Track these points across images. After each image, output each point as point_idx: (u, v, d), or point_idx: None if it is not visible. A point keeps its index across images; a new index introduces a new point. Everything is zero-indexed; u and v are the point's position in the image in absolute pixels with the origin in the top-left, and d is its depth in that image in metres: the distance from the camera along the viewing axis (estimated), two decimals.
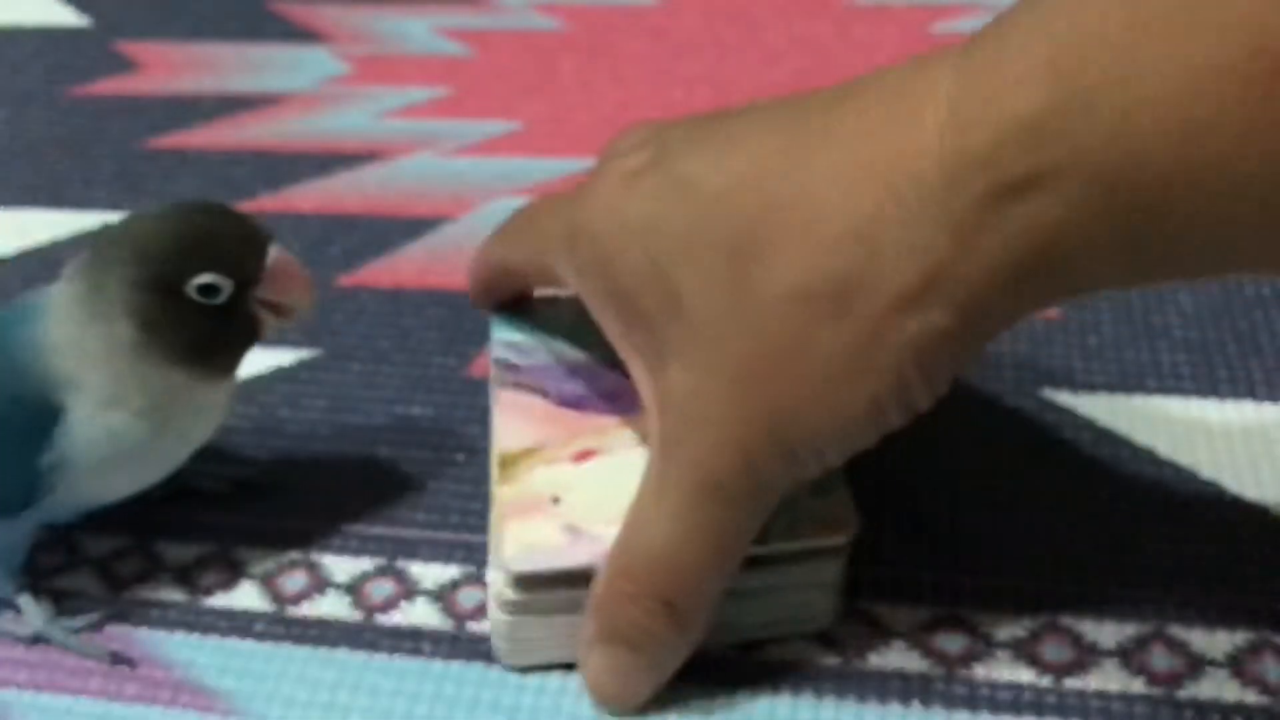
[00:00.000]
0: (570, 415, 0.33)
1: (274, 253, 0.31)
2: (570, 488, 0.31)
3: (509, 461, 0.32)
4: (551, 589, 0.30)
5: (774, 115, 0.28)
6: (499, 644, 0.31)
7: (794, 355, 0.26)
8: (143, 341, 0.30)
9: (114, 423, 0.31)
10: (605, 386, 0.33)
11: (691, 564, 0.28)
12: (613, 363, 0.32)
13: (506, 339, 0.35)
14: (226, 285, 0.30)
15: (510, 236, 0.35)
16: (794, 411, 0.26)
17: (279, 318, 0.32)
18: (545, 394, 0.33)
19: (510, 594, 0.30)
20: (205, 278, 0.30)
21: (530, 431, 0.32)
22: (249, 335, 0.32)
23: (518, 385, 0.34)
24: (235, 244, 0.31)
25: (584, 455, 0.31)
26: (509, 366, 0.34)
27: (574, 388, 0.33)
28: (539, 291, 0.37)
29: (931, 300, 0.25)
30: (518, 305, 0.36)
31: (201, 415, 0.33)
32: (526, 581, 0.30)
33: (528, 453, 0.32)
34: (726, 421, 0.27)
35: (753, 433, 0.27)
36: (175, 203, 0.31)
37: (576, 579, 0.29)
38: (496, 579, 0.30)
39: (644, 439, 0.31)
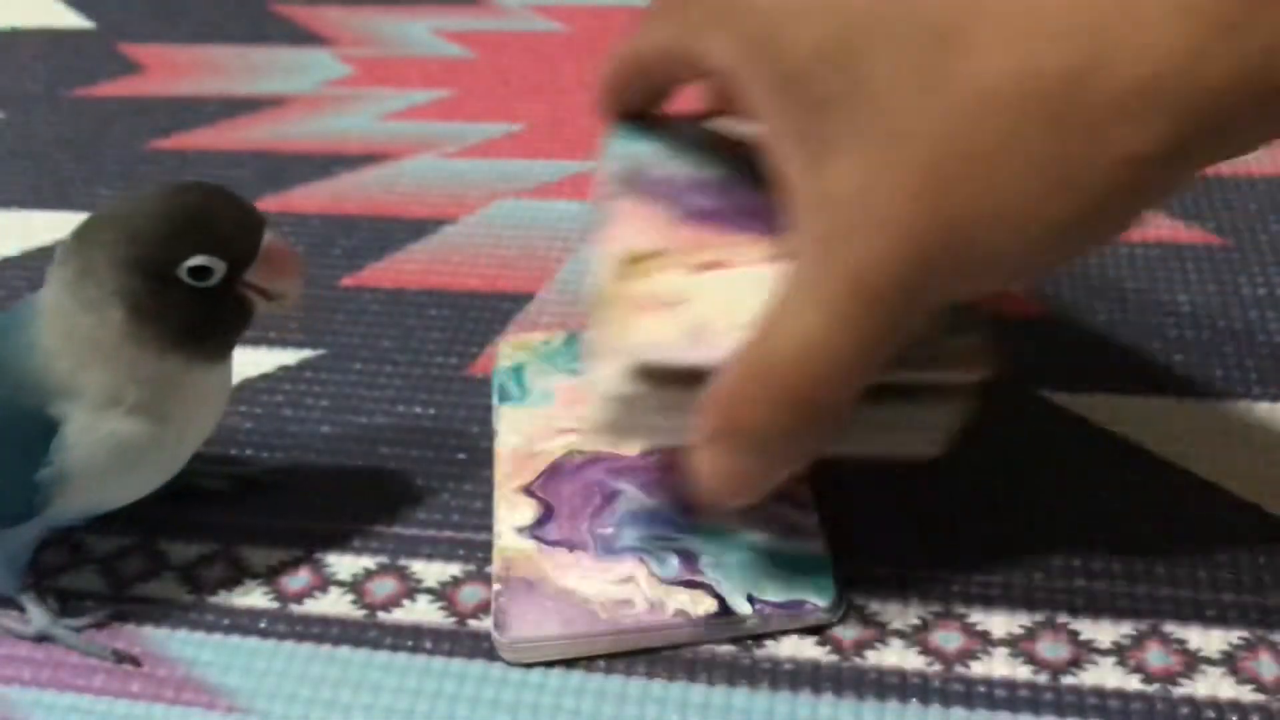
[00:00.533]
0: (696, 227, 0.31)
1: (268, 237, 0.30)
2: (694, 293, 0.29)
3: (630, 261, 0.30)
4: (667, 385, 0.28)
5: None
6: (602, 429, 0.30)
7: (992, 160, 0.23)
8: (133, 326, 0.29)
9: (113, 428, 0.30)
10: (735, 203, 0.31)
11: (836, 366, 0.26)
12: (743, 181, 0.31)
13: (628, 151, 0.33)
14: (219, 267, 0.30)
15: (650, 24, 0.31)
16: (979, 222, 0.24)
17: (267, 302, 0.31)
18: (671, 205, 0.31)
19: (625, 385, 0.28)
20: (197, 260, 0.29)
21: (653, 237, 0.30)
22: (241, 318, 0.31)
23: (641, 194, 0.32)
24: (228, 225, 0.30)
25: (710, 266, 0.30)
26: (631, 176, 0.32)
27: (702, 201, 0.31)
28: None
29: (1159, 108, 0.22)
30: (638, 119, 0.34)
31: (200, 405, 0.32)
32: (646, 374, 0.28)
33: (651, 255, 0.30)
34: (901, 223, 0.24)
35: (930, 240, 0.24)
36: (168, 182, 0.30)
37: (695, 377, 0.28)
38: (608, 369, 0.29)
39: (774, 256, 0.29)
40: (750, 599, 0.32)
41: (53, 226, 0.50)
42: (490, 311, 0.44)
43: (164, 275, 0.29)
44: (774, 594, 0.32)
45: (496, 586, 0.33)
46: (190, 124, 0.56)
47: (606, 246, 0.31)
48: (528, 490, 0.35)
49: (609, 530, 0.34)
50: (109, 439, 0.30)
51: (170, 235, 0.29)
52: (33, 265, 0.48)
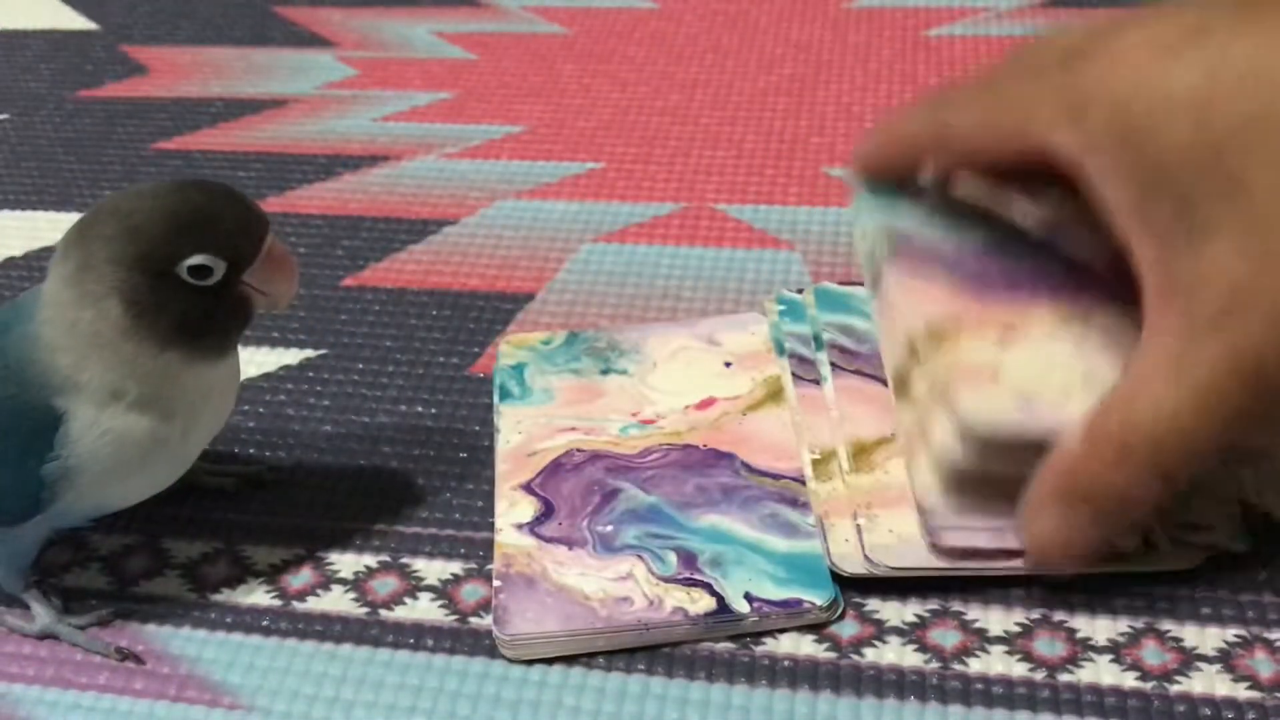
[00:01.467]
0: (977, 295, 0.32)
1: (270, 241, 0.30)
2: (1004, 362, 0.30)
3: (935, 333, 0.31)
4: (1002, 454, 0.30)
5: None
6: (931, 519, 0.32)
7: None
8: (132, 321, 0.29)
9: (117, 423, 0.30)
10: (1000, 269, 0.33)
11: (1201, 442, 0.28)
12: (998, 246, 0.33)
13: (885, 217, 0.34)
14: (219, 267, 0.29)
15: (956, 105, 0.32)
16: None
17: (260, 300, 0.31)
18: (944, 272, 0.33)
19: (961, 457, 0.30)
20: (197, 259, 0.29)
21: (944, 307, 0.32)
22: (242, 315, 0.31)
23: (913, 262, 0.33)
24: (230, 224, 0.30)
25: (1006, 334, 0.31)
26: (898, 243, 0.34)
27: (978, 269, 0.33)
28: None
29: None
30: (887, 184, 0.35)
31: (204, 402, 0.32)
32: (984, 444, 0.30)
33: (948, 325, 0.31)
34: None
35: None
36: (170, 179, 0.30)
37: (1030, 446, 0.30)
38: (945, 443, 0.30)
39: (1064, 320, 0.31)
40: (748, 597, 0.32)
41: (57, 227, 0.50)
42: (491, 311, 0.44)
43: (163, 273, 0.29)
44: (772, 592, 0.32)
45: (496, 583, 0.33)
46: (193, 125, 0.56)
47: (899, 316, 0.32)
48: (527, 488, 0.35)
49: (608, 528, 0.34)
50: (112, 433, 0.30)
51: (171, 233, 0.29)
52: (37, 265, 0.48)
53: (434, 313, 0.44)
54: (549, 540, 0.34)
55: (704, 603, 0.32)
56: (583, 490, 0.35)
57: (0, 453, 0.30)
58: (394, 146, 0.53)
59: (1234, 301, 0.26)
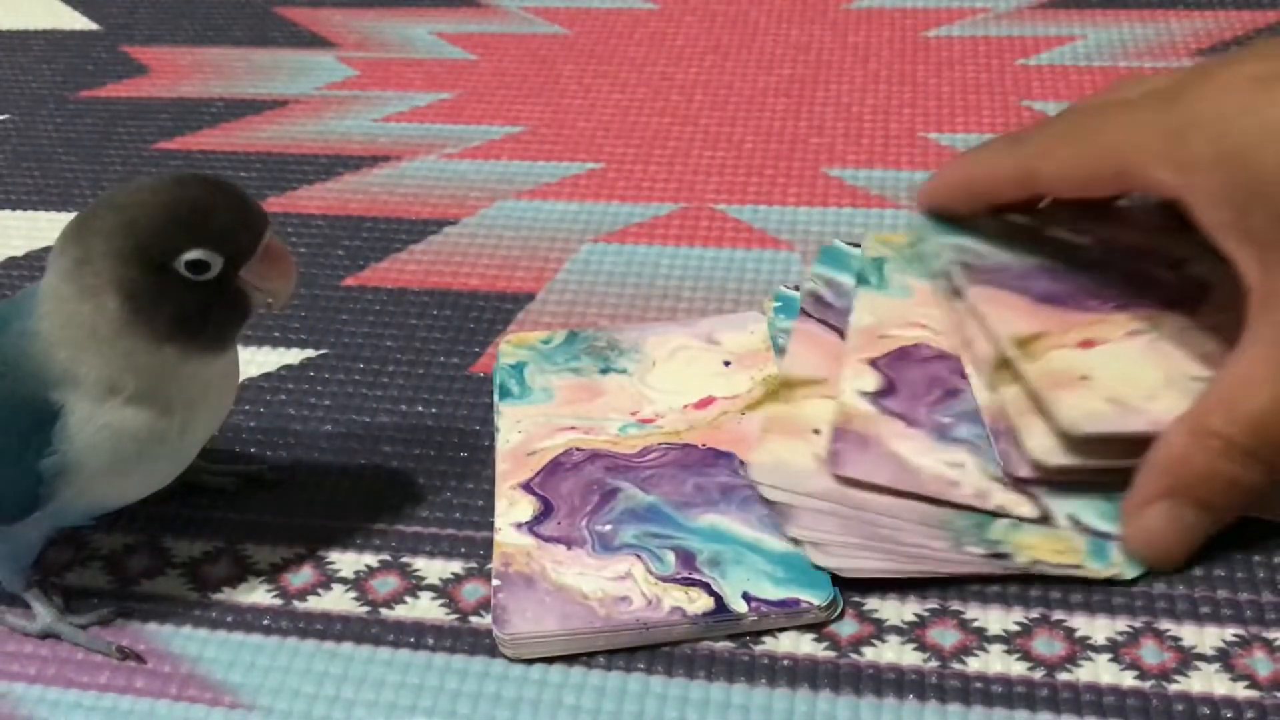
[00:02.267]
0: (1054, 309, 0.35)
1: (268, 237, 0.30)
2: (1091, 369, 0.33)
3: (1024, 344, 0.34)
4: (1101, 454, 0.32)
5: None
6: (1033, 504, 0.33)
7: None
8: (129, 315, 0.29)
9: (114, 418, 0.30)
10: (1069, 286, 0.36)
11: None
12: (1061, 265, 0.36)
13: (958, 243, 0.38)
14: (216, 262, 0.29)
15: (1042, 146, 0.35)
16: None
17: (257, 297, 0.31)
18: (1020, 291, 0.36)
19: (1062, 459, 0.32)
20: (195, 254, 0.29)
21: (1029, 321, 0.35)
22: (240, 311, 0.31)
23: (988, 283, 0.36)
24: (228, 220, 0.29)
25: (1086, 343, 0.34)
26: (969, 267, 0.37)
27: (1049, 286, 0.36)
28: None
29: None
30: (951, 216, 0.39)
31: (203, 397, 0.32)
32: (1086, 445, 0.32)
33: (1034, 337, 0.34)
34: None
35: None
36: (170, 174, 0.30)
37: (1130, 444, 0.32)
38: (1041, 445, 0.32)
39: (1135, 329, 0.34)
40: (747, 597, 0.32)
41: (57, 227, 0.49)
42: (491, 311, 0.44)
43: (161, 267, 0.29)
44: (770, 592, 0.32)
45: (495, 582, 0.33)
46: (194, 125, 0.56)
47: (989, 330, 0.35)
48: (527, 487, 0.35)
49: (607, 527, 0.34)
50: (110, 428, 0.30)
51: (169, 228, 0.29)
52: (38, 265, 0.48)
53: (434, 312, 0.44)
54: (548, 539, 0.34)
55: (702, 602, 0.32)
56: (582, 489, 0.35)
57: None
58: (394, 147, 0.54)
59: None
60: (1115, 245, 0.37)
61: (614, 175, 0.51)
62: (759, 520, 0.34)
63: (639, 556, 0.33)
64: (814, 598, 0.32)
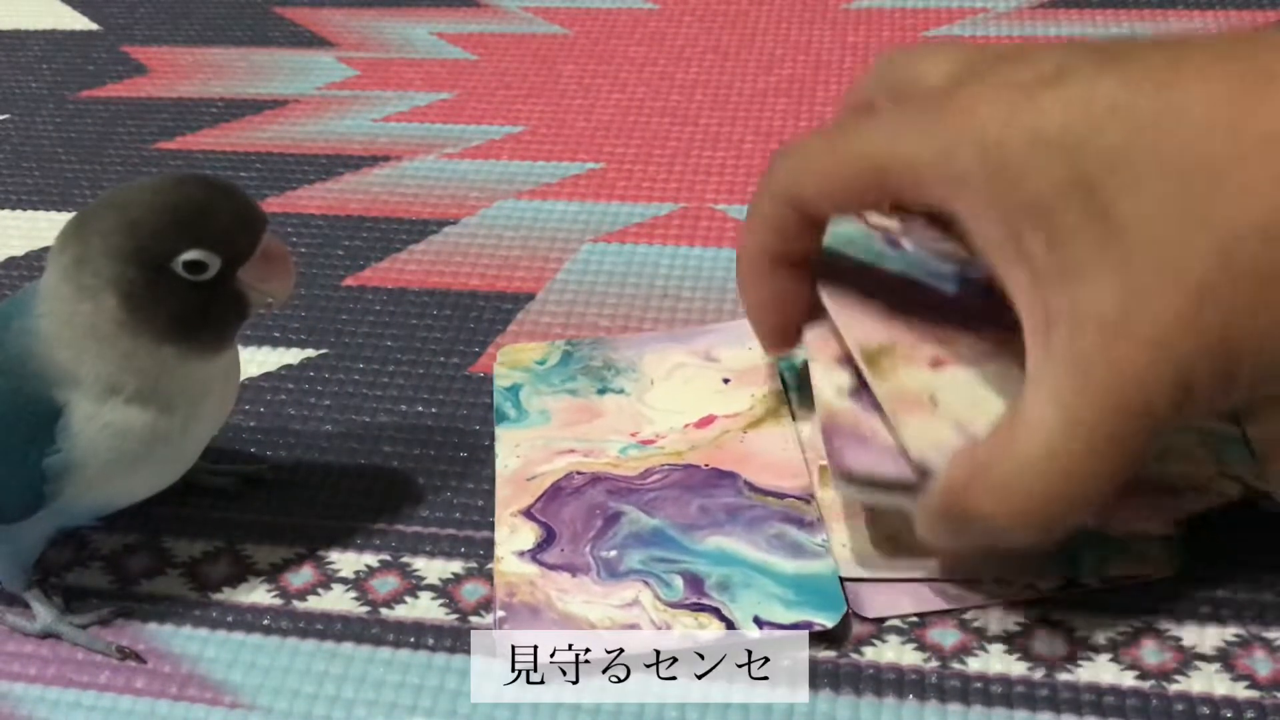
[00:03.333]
0: (908, 322, 0.32)
1: (267, 238, 0.30)
2: (940, 392, 0.30)
3: (871, 356, 0.31)
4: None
5: (1201, 49, 0.27)
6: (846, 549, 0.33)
7: (1266, 280, 0.25)
8: (127, 315, 0.29)
9: (116, 417, 0.30)
10: (928, 298, 0.33)
11: (1080, 481, 0.27)
12: (925, 276, 0.33)
13: (831, 240, 0.34)
14: (214, 263, 0.29)
15: (803, 160, 0.32)
16: (1254, 336, 0.26)
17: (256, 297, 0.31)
18: (878, 297, 0.32)
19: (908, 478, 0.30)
20: (192, 254, 0.29)
21: (879, 331, 0.32)
22: (238, 311, 0.31)
23: (846, 281, 0.33)
24: (227, 220, 0.30)
25: (937, 362, 0.31)
26: (834, 268, 0.34)
27: (904, 294, 0.33)
28: None
29: None
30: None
31: (203, 396, 0.32)
32: (925, 472, 0.29)
33: (885, 350, 0.31)
34: (1170, 343, 0.26)
35: (1200, 356, 0.26)
36: (170, 173, 0.30)
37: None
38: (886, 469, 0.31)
39: (989, 353, 0.31)
40: (758, 621, 0.31)
41: (57, 227, 0.49)
42: (491, 311, 0.44)
43: (159, 267, 0.29)
44: (781, 615, 0.31)
45: (500, 613, 0.32)
46: (194, 125, 0.56)
47: (830, 340, 0.33)
48: (528, 513, 0.35)
49: (612, 553, 0.33)
50: (112, 427, 0.30)
51: (167, 228, 0.29)
52: (38, 265, 0.48)
53: (434, 312, 0.44)
54: (551, 567, 0.33)
55: (712, 628, 0.31)
56: (584, 514, 0.34)
57: (2, 446, 0.31)
58: (394, 147, 0.54)
59: (1115, 335, 0.26)
60: (967, 259, 0.34)
61: (614, 175, 0.51)
62: (766, 541, 0.33)
63: (646, 582, 0.32)
64: (826, 620, 0.31)
